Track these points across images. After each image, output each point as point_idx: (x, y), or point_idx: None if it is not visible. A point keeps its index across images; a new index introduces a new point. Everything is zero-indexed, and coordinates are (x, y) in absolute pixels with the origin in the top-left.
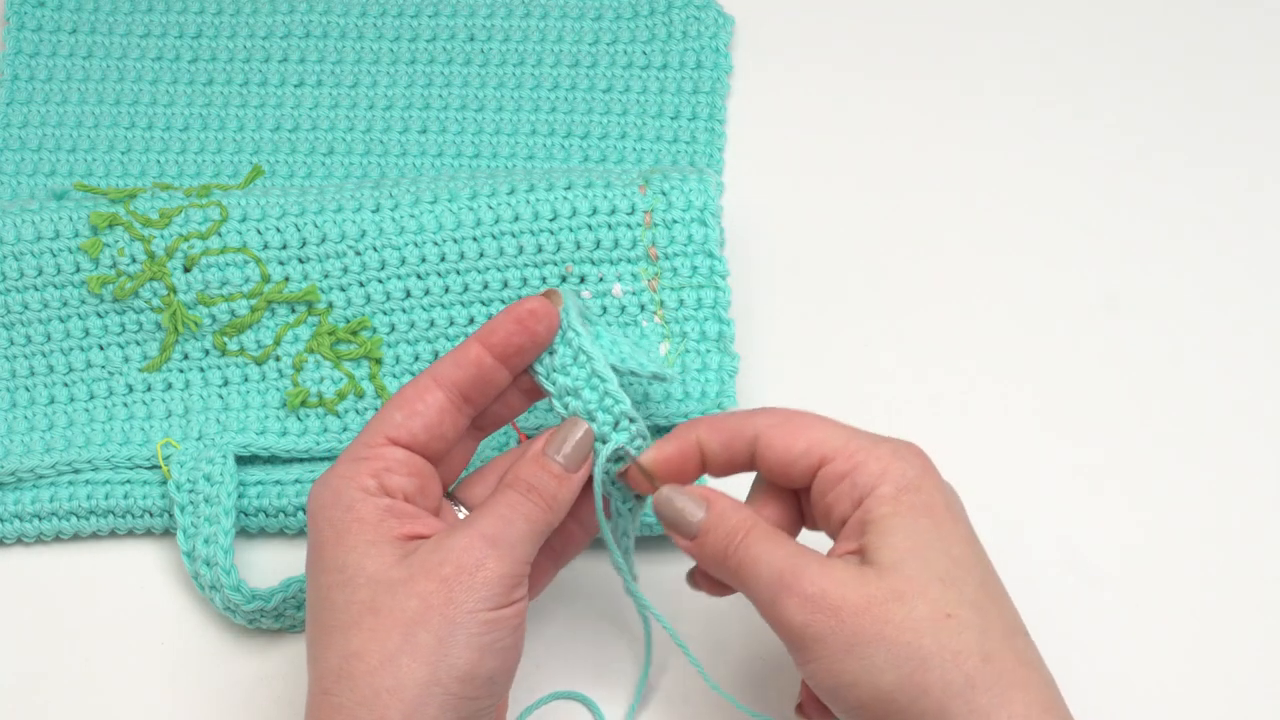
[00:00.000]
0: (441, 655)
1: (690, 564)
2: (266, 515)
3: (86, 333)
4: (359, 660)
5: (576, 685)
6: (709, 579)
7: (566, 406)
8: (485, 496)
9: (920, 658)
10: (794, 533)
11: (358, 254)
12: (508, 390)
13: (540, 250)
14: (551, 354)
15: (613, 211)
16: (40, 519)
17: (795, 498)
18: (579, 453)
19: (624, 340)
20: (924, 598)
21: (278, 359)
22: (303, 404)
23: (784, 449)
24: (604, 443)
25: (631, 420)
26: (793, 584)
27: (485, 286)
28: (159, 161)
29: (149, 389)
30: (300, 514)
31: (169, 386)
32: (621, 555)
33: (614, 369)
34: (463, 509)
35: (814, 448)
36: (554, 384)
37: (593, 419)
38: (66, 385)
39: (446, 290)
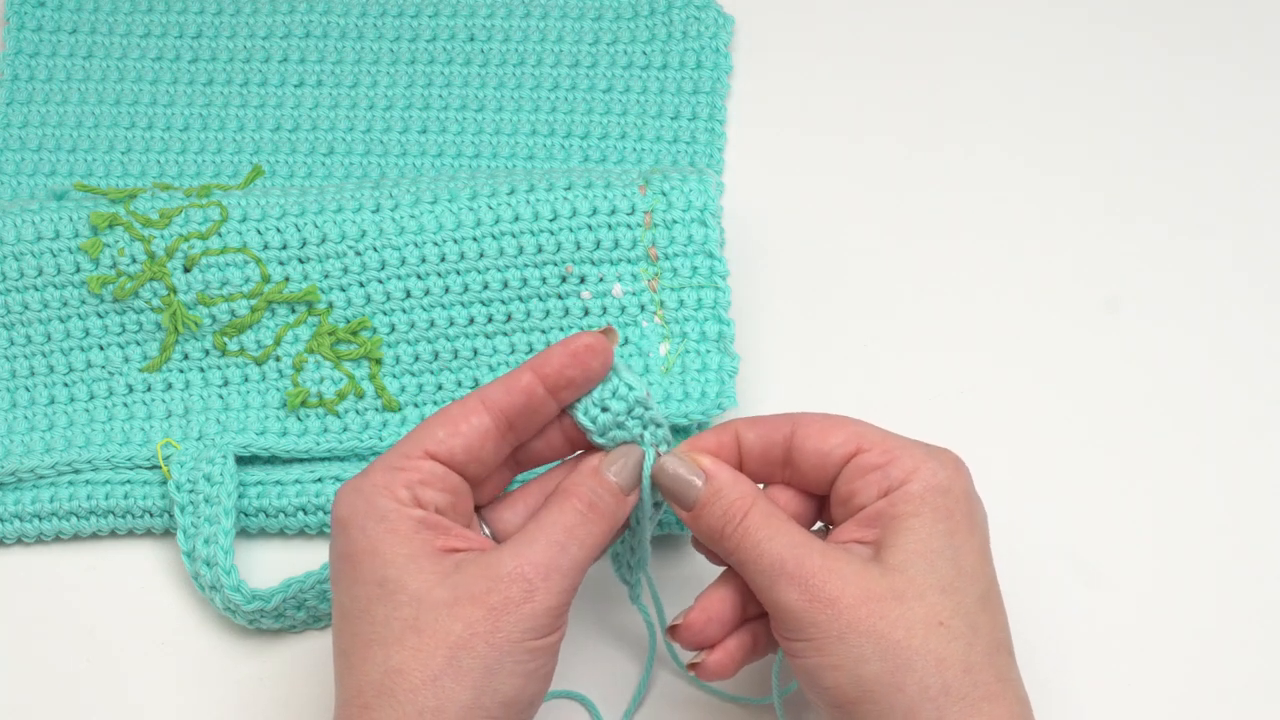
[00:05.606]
0: (486, 681)
1: None
2: (266, 515)
3: (86, 333)
4: (401, 677)
5: (575, 685)
6: (707, 548)
7: (613, 441)
8: (514, 522)
9: (905, 657)
10: (805, 524)
11: (358, 254)
12: (550, 428)
13: (540, 250)
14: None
15: (613, 212)
16: (40, 519)
17: (815, 498)
18: (635, 476)
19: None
20: (921, 601)
21: (278, 359)
22: (303, 404)
23: (820, 437)
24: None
25: (669, 445)
26: (794, 572)
27: (485, 287)
28: (159, 161)
29: (149, 389)
30: (300, 514)
31: (169, 386)
32: (630, 568)
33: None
34: (486, 527)
35: (851, 439)
36: (594, 422)
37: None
38: (66, 385)
39: (446, 290)
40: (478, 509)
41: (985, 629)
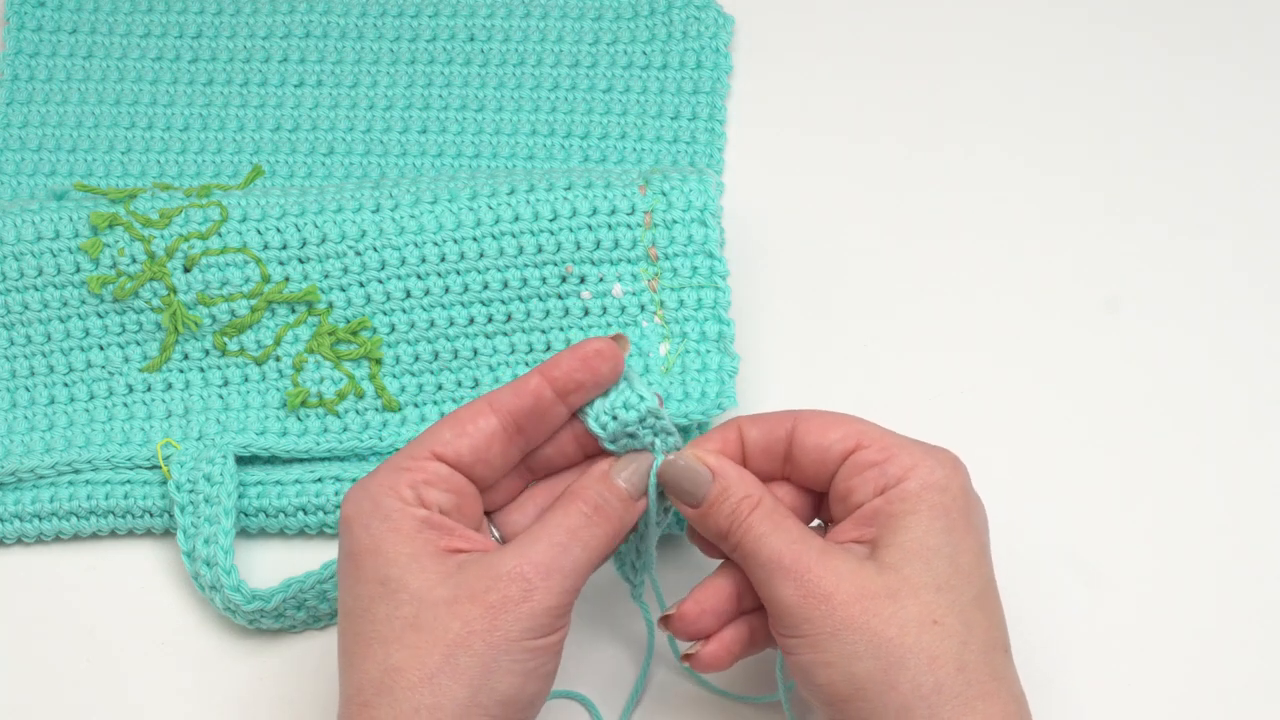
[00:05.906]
0: (484, 679)
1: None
2: (266, 515)
3: (86, 333)
4: (399, 675)
5: (574, 685)
6: (705, 539)
7: (623, 449)
8: (522, 524)
9: (898, 655)
10: (804, 521)
11: (358, 254)
12: (562, 434)
13: (540, 250)
14: (603, 397)
15: (613, 212)
16: (40, 519)
17: (814, 494)
18: (644, 482)
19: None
20: (916, 600)
21: (278, 359)
22: (303, 404)
23: (820, 433)
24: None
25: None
26: (791, 568)
27: (485, 287)
28: (159, 161)
29: (149, 389)
30: (300, 514)
31: (169, 386)
32: (634, 569)
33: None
34: (494, 530)
35: (850, 435)
36: (604, 429)
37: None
38: (66, 385)
39: (446, 290)
40: (488, 514)
41: (980, 627)
